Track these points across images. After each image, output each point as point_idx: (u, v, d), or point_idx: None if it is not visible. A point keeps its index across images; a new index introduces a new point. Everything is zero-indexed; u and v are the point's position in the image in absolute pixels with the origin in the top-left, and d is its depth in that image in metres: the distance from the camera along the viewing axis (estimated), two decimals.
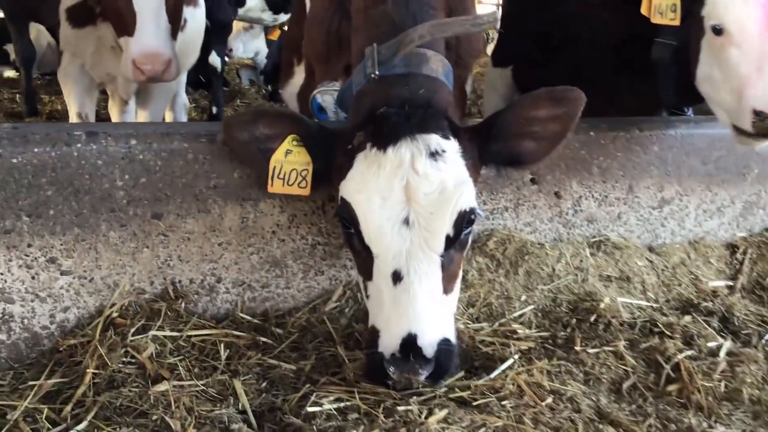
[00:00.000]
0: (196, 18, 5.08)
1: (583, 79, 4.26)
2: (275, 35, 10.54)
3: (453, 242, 2.35)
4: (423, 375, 2.30)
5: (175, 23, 4.16)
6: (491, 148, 2.50)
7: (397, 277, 2.32)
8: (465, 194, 2.32)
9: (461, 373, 2.46)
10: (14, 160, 2.38)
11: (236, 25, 10.34)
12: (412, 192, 2.28)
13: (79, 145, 2.47)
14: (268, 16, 9.76)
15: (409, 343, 2.27)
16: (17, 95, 8.50)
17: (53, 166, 2.44)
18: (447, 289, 2.39)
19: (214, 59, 9.21)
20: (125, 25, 3.85)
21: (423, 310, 2.30)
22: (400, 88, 2.43)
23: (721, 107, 3.24)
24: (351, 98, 2.59)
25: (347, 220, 2.39)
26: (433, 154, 2.30)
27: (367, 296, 2.46)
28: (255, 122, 2.54)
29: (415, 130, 2.32)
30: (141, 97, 5.19)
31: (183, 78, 5.31)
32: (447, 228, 2.31)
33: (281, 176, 2.56)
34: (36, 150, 2.41)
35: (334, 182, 2.44)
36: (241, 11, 9.36)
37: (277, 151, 2.53)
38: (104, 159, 2.51)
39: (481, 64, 11.17)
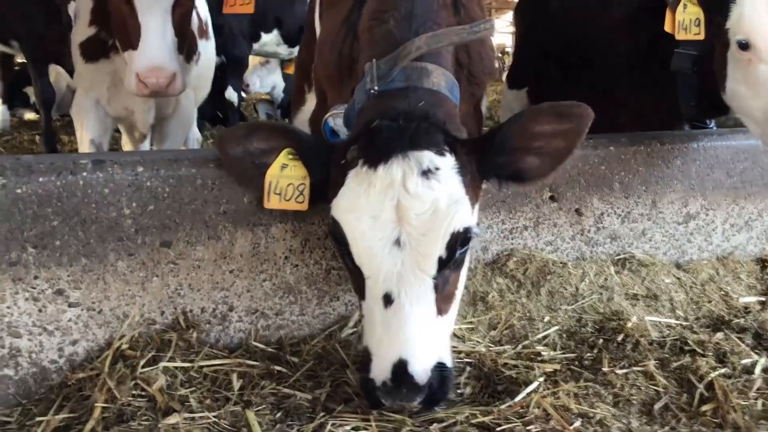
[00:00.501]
0: (207, 51, 5.08)
1: (602, 96, 4.24)
2: (291, 69, 10.60)
3: (446, 263, 2.24)
4: (415, 402, 2.19)
5: (182, 38, 4.08)
6: (492, 163, 2.39)
7: (387, 300, 2.22)
8: (459, 214, 2.21)
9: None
10: (18, 191, 2.34)
11: (253, 60, 10.44)
12: (404, 212, 2.18)
13: (84, 173, 2.43)
14: (283, 50, 9.83)
15: (401, 370, 2.16)
16: (36, 136, 8.59)
17: (59, 195, 2.39)
18: (442, 310, 2.28)
19: (231, 94, 9.29)
20: (129, 38, 3.78)
21: (414, 335, 2.19)
22: (399, 102, 2.36)
23: (752, 120, 3.16)
24: (354, 117, 2.53)
25: (338, 239, 2.31)
26: (426, 173, 2.19)
27: (362, 316, 2.37)
28: (249, 137, 2.47)
29: (407, 146, 2.22)
30: (157, 132, 5.18)
31: (195, 112, 5.28)
32: (439, 250, 2.20)
33: (278, 191, 2.48)
34: (41, 180, 2.37)
35: (329, 198, 2.35)
36: (256, 46, 9.44)
37: (272, 166, 2.46)
38: (111, 187, 2.46)
39: (498, 92, 11.25)
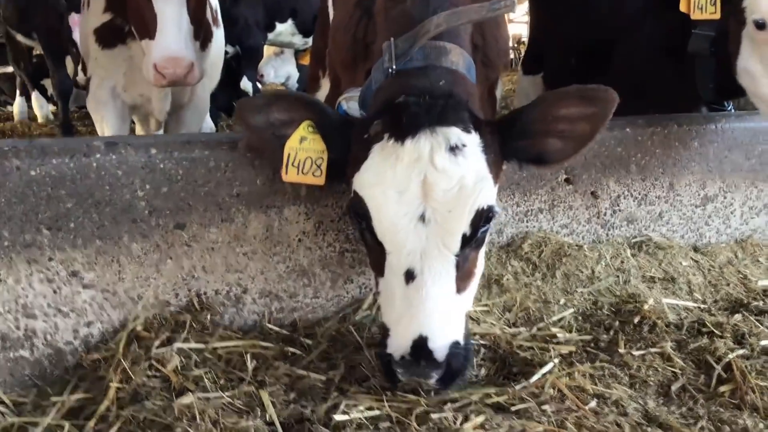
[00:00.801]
0: (218, 38, 5.05)
1: (619, 80, 4.19)
2: (306, 59, 10.59)
3: (469, 241, 2.22)
4: (433, 379, 2.19)
5: (198, 26, 4.07)
6: (514, 144, 2.37)
7: (409, 276, 2.21)
8: (484, 191, 2.19)
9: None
10: (33, 173, 2.34)
11: (267, 50, 10.43)
12: (430, 188, 2.16)
13: (98, 155, 2.43)
14: (298, 40, 9.81)
15: (420, 346, 2.16)
16: (54, 128, 8.66)
17: (72, 177, 2.40)
18: (461, 288, 2.26)
19: (246, 85, 9.30)
20: (146, 27, 3.76)
21: (435, 311, 2.18)
22: (420, 80, 2.34)
23: (763, 101, 3.12)
24: (372, 97, 2.51)
25: (359, 214, 2.29)
26: (453, 149, 2.17)
27: (379, 292, 2.36)
28: (269, 106, 2.44)
29: (435, 121, 2.20)
30: (172, 122, 5.18)
31: (208, 101, 5.27)
32: (464, 227, 2.19)
33: (295, 164, 2.45)
34: (54, 162, 2.37)
35: (348, 173, 2.33)
36: (271, 36, 9.42)
37: (292, 138, 2.43)
38: (124, 169, 2.46)
39: (513, 82, 11.18)
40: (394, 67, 2.39)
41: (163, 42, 3.70)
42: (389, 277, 2.27)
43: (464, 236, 2.20)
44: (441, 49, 2.40)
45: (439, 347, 2.16)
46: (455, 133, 2.20)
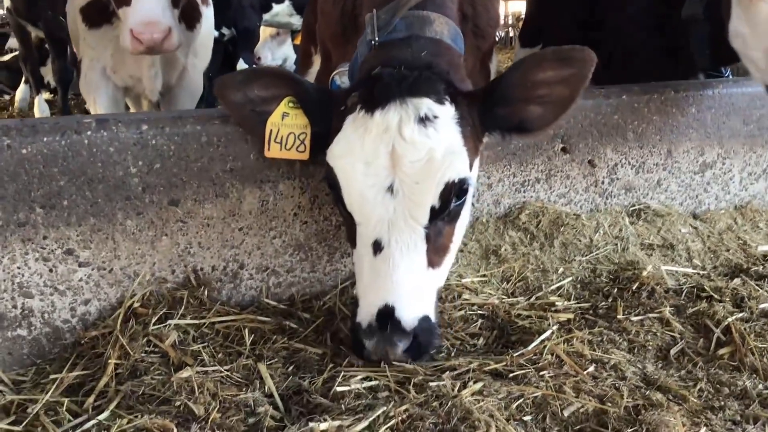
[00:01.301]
0: (207, 17, 5.02)
1: (618, 51, 4.16)
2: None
3: (439, 214, 2.20)
4: (400, 348, 2.17)
5: None
6: (494, 114, 2.33)
7: (377, 247, 2.21)
8: (454, 164, 2.17)
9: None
10: (24, 151, 2.33)
11: (264, 32, 10.37)
12: (398, 159, 2.15)
13: (89, 132, 2.41)
14: (296, 20, 9.74)
15: (386, 314, 2.15)
16: (53, 115, 8.64)
17: (64, 155, 2.38)
18: (434, 262, 2.25)
19: (242, 66, 9.24)
20: None
21: (402, 282, 2.17)
22: (401, 51, 2.33)
23: (753, 64, 3.09)
24: (357, 71, 2.49)
25: (332, 186, 2.29)
26: (423, 120, 2.16)
27: (353, 263, 2.36)
28: (249, 83, 2.44)
29: (406, 93, 2.18)
30: (165, 102, 5.16)
31: (201, 82, 5.24)
32: (432, 199, 2.17)
33: (278, 140, 2.45)
34: (45, 139, 2.35)
35: (329, 146, 2.32)
36: (267, 16, 9.37)
37: (274, 114, 2.42)
38: (116, 146, 2.44)
39: (511, 59, 11.11)
40: (376, 39, 2.38)
41: (139, 7, 3.66)
42: (359, 247, 2.27)
43: (433, 209, 2.18)
44: (424, 19, 2.38)
45: (406, 317, 2.16)
46: (426, 104, 2.18)
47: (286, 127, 2.44)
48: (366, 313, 2.20)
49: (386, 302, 2.16)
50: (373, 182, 2.18)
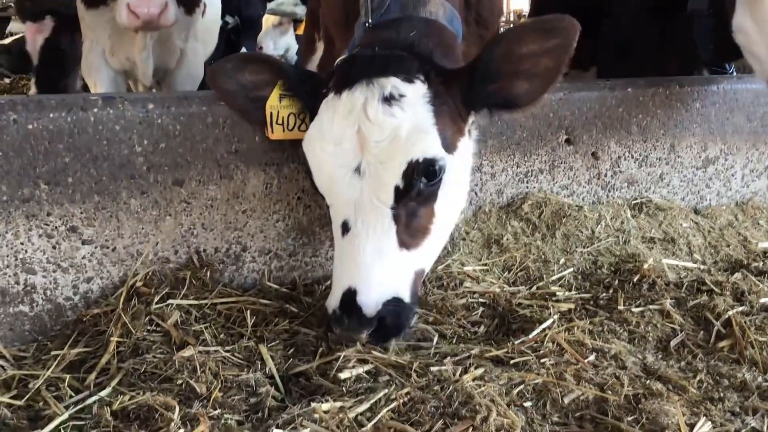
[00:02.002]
0: (213, 3, 5.02)
1: (622, 44, 4.16)
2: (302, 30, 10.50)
3: (405, 194, 2.16)
4: (363, 334, 2.16)
5: None
6: (480, 92, 2.27)
7: (345, 228, 2.20)
8: (419, 143, 2.13)
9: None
10: (30, 126, 2.32)
11: (266, 21, 10.33)
12: (364, 139, 2.13)
13: (95, 110, 2.41)
14: (301, 10, 9.68)
15: (349, 300, 2.14)
16: None
17: (70, 132, 2.38)
18: (408, 244, 2.21)
19: None
20: None
21: (366, 264, 2.15)
22: (388, 32, 2.32)
23: (756, 59, 3.10)
24: None
25: (306, 169, 2.30)
26: (388, 99, 2.13)
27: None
28: (241, 70, 2.43)
29: (374, 73, 2.16)
30: (165, 86, 5.16)
31: (202, 67, 5.24)
32: (396, 179, 2.14)
33: (280, 122, 2.44)
34: (51, 116, 2.35)
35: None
36: (273, 5, 9.33)
37: (271, 97, 2.42)
38: (122, 124, 2.44)
39: None
40: (370, 20, 2.38)
41: None
42: (333, 229, 2.27)
43: (397, 189, 2.15)
44: (418, 0, 2.37)
45: (368, 302, 2.13)
46: (392, 83, 2.16)
47: (285, 108, 2.44)
48: (332, 298, 2.20)
49: (349, 286, 2.15)
50: (342, 163, 2.17)
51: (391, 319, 2.17)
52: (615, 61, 4.19)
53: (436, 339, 2.40)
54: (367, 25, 2.40)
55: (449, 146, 2.23)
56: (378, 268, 2.17)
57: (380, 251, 2.17)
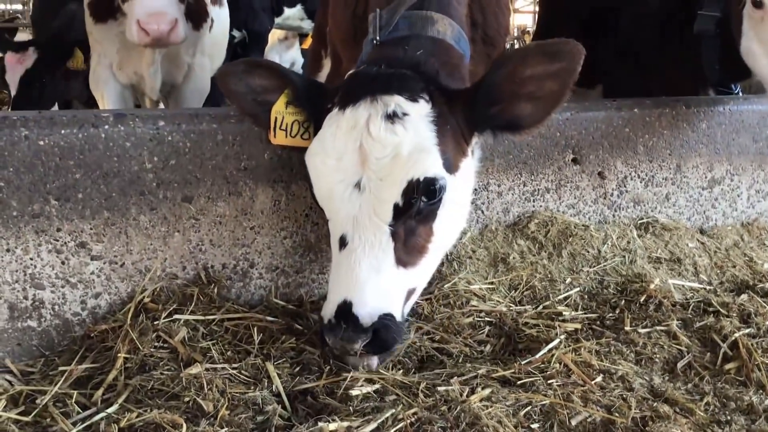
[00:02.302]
0: (221, 18, 5.05)
1: (631, 62, 4.17)
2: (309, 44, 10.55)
3: (404, 212, 2.17)
4: (357, 344, 2.15)
5: None
6: (484, 113, 2.28)
7: (343, 242, 2.21)
8: (420, 162, 2.14)
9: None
10: (41, 143, 2.34)
11: (272, 36, 10.39)
12: (365, 156, 2.15)
13: (106, 126, 2.43)
14: (307, 25, 9.75)
15: (345, 310, 2.15)
16: None
17: (81, 148, 2.40)
18: (405, 262, 2.22)
19: None
20: None
21: (362, 278, 2.16)
22: (395, 50, 2.34)
23: (764, 80, 3.12)
24: None
25: (308, 183, 2.31)
26: (391, 117, 2.15)
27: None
28: (250, 73, 2.45)
29: (378, 90, 2.18)
30: (172, 101, 5.19)
31: (209, 81, 5.27)
32: (395, 196, 2.14)
33: (283, 127, 2.45)
34: (63, 132, 2.37)
35: None
36: (279, 20, 9.38)
37: (278, 102, 2.43)
38: (132, 141, 2.46)
39: None
40: (378, 38, 2.39)
41: None
42: (331, 243, 2.28)
43: (396, 206, 2.16)
44: (427, 19, 2.39)
45: (364, 314, 2.14)
46: (395, 101, 2.17)
47: (291, 115, 2.45)
48: (328, 309, 2.21)
49: (345, 298, 2.16)
50: (342, 178, 2.19)
51: (385, 333, 2.17)
52: (623, 80, 4.20)
53: (442, 358, 2.40)
54: (375, 42, 2.41)
55: (451, 167, 2.24)
56: (374, 283, 2.17)
57: (377, 267, 2.18)
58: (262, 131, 2.59)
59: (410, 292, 2.30)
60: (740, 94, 3.94)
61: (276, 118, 2.45)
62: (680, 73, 3.92)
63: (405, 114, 2.17)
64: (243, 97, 2.47)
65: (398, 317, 2.22)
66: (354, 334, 2.14)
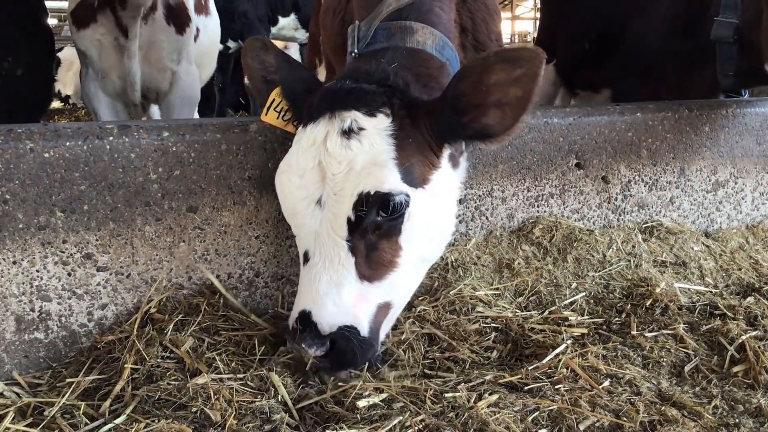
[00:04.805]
0: (208, 28, 5.09)
1: (639, 68, 4.17)
2: None
3: (357, 227, 2.16)
4: (312, 349, 2.16)
5: None
6: (452, 123, 2.24)
7: (306, 257, 2.24)
8: (372, 177, 2.12)
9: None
10: (46, 155, 2.35)
11: None
12: (323, 172, 2.17)
13: (111, 138, 2.44)
14: (301, 35, 9.81)
15: (303, 317, 2.18)
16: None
17: (86, 160, 2.41)
18: (370, 276, 2.21)
19: None
20: None
21: (322, 291, 2.18)
22: (368, 63, 2.33)
23: None
24: None
25: (279, 201, 2.34)
26: (347, 132, 2.15)
27: None
28: (267, 51, 2.49)
29: (337, 106, 2.19)
30: (162, 110, 5.22)
31: (198, 90, 5.29)
32: (346, 211, 2.14)
33: (277, 109, 2.47)
34: (68, 144, 2.38)
35: None
36: (274, 30, 9.43)
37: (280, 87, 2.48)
38: (137, 152, 2.47)
39: None
40: (356, 50, 2.40)
41: None
42: (299, 257, 2.31)
43: (349, 221, 2.15)
44: (406, 29, 2.38)
45: (323, 322, 2.16)
46: (352, 117, 2.17)
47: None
48: (291, 318, 2.25)
49: (305, 307, 2.20)
50: (305, 195, 2.21)
51: (343, 344, 2.18)
52: (633, 86, 4.20)
53: (449, 365, 2.40)
54: (353, 54, 2.42)
55: (415, 180, 2.21)
56: (333, 296, 2.19)
57: (336, 281, 2.19)
58: (266, 141, 2.61)
59: (382, 307, 2.28)
60: (746, 97, 3.95)
61: (274, 99, 2.47)
62: (691, 79, 3.92)
63: (361, 129, 2.17)
64: (255, 72, 2.51)
65: (363, 332, 2.22)
66: (310, 339, 2.16)
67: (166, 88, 4.96)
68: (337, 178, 2.15)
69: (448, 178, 2.35)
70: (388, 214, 2.16)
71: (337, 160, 2.15)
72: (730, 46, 3.50)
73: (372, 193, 2.12)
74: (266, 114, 2.49)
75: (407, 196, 2.17)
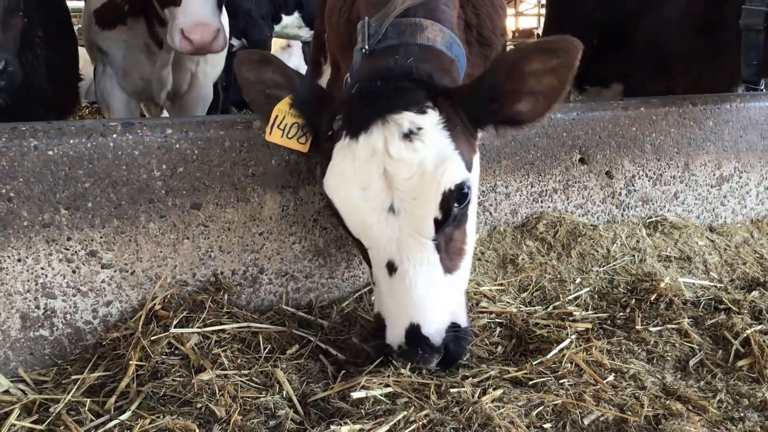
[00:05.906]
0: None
1: (646, 58, 4.14)
2: None
3: (444, 223, 2.17)
4: (433, 363, 2.20)
5: None
6: (486, 110, 2.26)
7: (391, 268, 2.20)
8: (449, 173, 2.13)
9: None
10: (50, 153, 2.36)
11: (275, 44, 10.41)
12: (391, 178, 2.13)
13: (114, 135, 2.44)
14: (305, 33, 9.79)
15: (414, 333, 2.16)
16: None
17: (90, 157, 2.41)
18: (451, 268, 2.23)
19: None
20: None
21: (423, 298, 2.17)
22: (385, 60, 2.31)
23: None
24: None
25: (335, 215, 2.29)
26: (408, 135, 2.13)
27: (373, 282, 2.35)
28: (264, 65, 2.44)
29: (386, 110, 2.16)
30: (176, 109, 5.22)
31: (211, 89, 5.29)
32: (433, 212, 2.14)
33: (281, 126, 2.43)
34: (72, 142, 2.38)
35: (321, 171, 2.31)
36: (277, 28, 9.41)
37: (283, 101, 2.42)
38: (141, 149, 2.47)
39: None
40: (366, 47, 2.37)
41: (190, 8, 3.73)
42: (375, 270, 2.27)
43: (436, 220, 2.16)
44: (416, 26, 2.37)
45: (434, 332, 2.17)
46: (408, 119, 2.15)
47: (292, 117, 2.43)
48: (394, 335, 2.20)
49: (411, 321, 2.17)
50: (374, 206, 2.17)
51: (455, 347, 2.21)
52: (645, 81, 4.17)
53: None
54: (364, 51, 2.40)
55: (468, 165, 2.24)
56: (434, 299, 2.19)
57: (431, 283, 2.19)
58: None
59: (462, 293, 2.34)
60: (763, 89, 3.89)
61: (277, 116, 2.43)
62: (711, 71, 3.88)
63: (420, 128, 2.15)
64: (253, 86, 2.46)
65: (463, 323, 2.26)
66: (429, 355, 2.18)
67: (184, 88, 4.97)
68: (411, 182, 2.12)
69: (479, 161, 2.42)
70: (461, 204, 2.19)
71: (406, 164, 2.12)
72: (756, 34, 3.45)
73: (452, 188, 2.14)
74: (270, 133, 2.44)
75: (470, 182, 2.22)
